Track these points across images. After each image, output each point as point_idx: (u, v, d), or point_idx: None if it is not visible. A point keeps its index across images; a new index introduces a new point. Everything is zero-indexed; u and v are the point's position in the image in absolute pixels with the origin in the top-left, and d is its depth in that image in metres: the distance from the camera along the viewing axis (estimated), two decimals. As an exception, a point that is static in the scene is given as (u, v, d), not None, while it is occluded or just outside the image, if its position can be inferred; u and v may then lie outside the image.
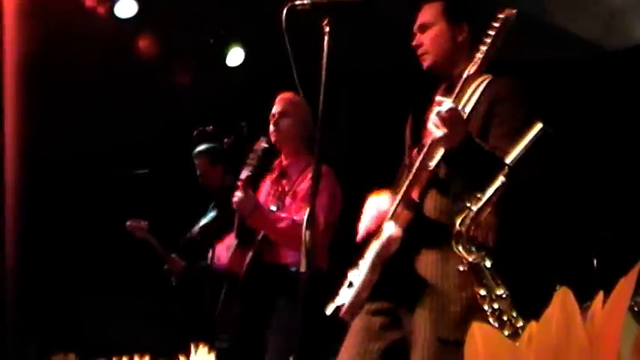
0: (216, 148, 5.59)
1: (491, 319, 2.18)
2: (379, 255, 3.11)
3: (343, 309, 3.23)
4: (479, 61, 2.91)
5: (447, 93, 3.17)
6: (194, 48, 7.11)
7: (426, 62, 3.42)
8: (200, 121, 5.35)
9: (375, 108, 7.58)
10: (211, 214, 5.99)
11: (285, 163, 4.78)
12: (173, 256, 6.12)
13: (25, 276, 6.17)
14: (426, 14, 3.42)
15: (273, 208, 4.60)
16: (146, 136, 7.26)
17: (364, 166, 7.45)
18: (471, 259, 2.23)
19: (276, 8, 2.98)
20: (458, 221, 2.23)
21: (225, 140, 5.01)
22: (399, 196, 3.21)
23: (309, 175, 4.52)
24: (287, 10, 2.93)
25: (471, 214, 2.20)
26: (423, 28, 3.41)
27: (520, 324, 2.18)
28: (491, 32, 2.87)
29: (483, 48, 2.90)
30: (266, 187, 4.87)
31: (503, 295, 2.22)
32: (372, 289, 3.15)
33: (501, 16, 2.87)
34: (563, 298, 0.85)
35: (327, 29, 2.90)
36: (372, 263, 3.14)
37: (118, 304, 6.85)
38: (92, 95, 6.67)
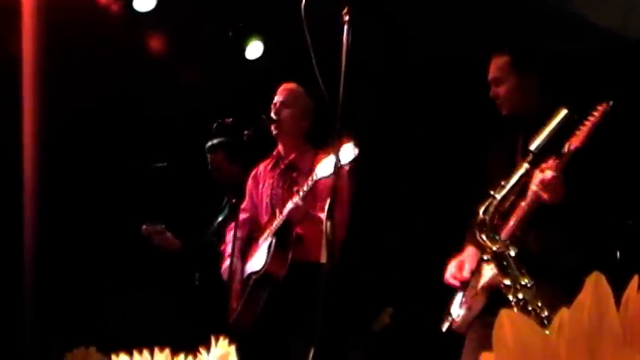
0: (234, 144, 5.56)
1: (515, 309, 2.16)
2: (490, 284, 3.30)
3: (456, 324, 3.59)
4: (582, 139, 3.21)
5: (524, 133, 3.68)
6: (213, 41, 7.09)
7: (504, 111, 3.90)
8: (219, 114, 5.34)
9: (394, 100, 7.56)
10: (226, 211, 5.95)
11: (292, 156, 4.77)
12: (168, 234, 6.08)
13: (45, 271, 6.18)
14: (497, 69, 3.93)
15: (298, 200, 4.59)
16: (165, 130, 7.26)
17: (383, 158, 7.45)
18: (495, 248, 2.21)
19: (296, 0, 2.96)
20: (481, 209, 2.20)
21: (245, 133, 5.00)
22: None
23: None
24: (306, 1, 2.91)
25: (495, 203, 2.18)
26: (496, 82, 3.92)
27: (545, 314, 2.15)
28: (591, 119, 3.23)
29: (583, 129, 3.21)
30: (265, 176, 4.86)
31: (528, 285, 2.19)
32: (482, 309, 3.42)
33: (600, 108, 3.28)
34: (595, 283, 0.83)
35: (346, 19, 2.88)
36: (481, 288, 3.37)
37: (138, 298, 6.85)
38: (110, 89, 6.67)
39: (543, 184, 3.18)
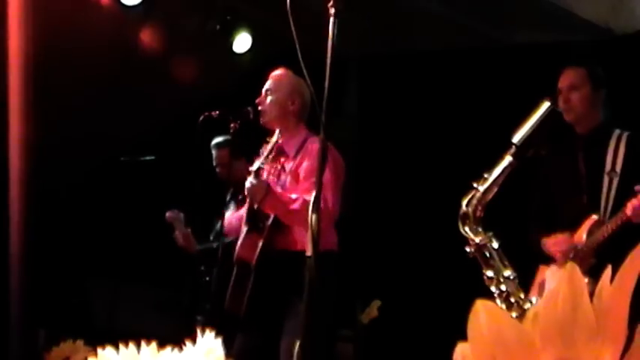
0: (238, 141, 5.55)
1: (498, 301, 2.16)
2: None
3: None
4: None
5: (584, 149, 4.30)
6: (200, 34, 7.08)
7: (570, 117, 4.26)
8: (207, 108, 5.33)
9: (384, 94, 7.56)
10: (232, 207, 5.92)
11: (280, 141, 4.72)
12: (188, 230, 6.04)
13: (33, 264, 6.17)
14: (574, 77, 4.35)
15: (278, 189, 4.56)
16: (153, 123, 7.25)
17: (373, 152, 7.45)
18: (478, 241, 2.21)
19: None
20: (464, 202, 2.21)
21: (232, 125, 4.99)
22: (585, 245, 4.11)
23: (308, 152, 4.49)
24: (293, -7, 2.90)
25: (478, 195, 2.18)
26: (571, 88, 4.32)
27: (527, 305, 2.16)
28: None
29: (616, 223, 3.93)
30: (266, 167, 4.83)
31: (511, 277, 2.20)
32: None
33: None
34: (570, 274, 0.83)
35: (332, 11, 2.86)
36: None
37: (126, 291, 6.85)
38: (99, 83, 6.66)
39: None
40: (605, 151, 4.23)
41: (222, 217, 5.81)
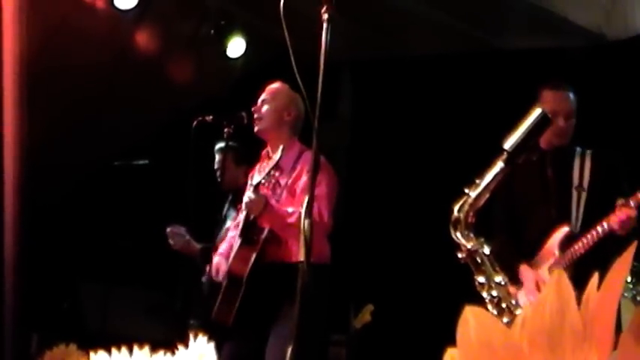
0: (242, 148, 5.53)
1: (489, 307, 2.17)
2: None
3: None
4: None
5: (552, 165, 4.40)
6: (195, 39, 7.09)
7: (563, 141, 4.36)
8: (201, 112, 5.34)
9: (377, 98, 7.57)
10: (233, 215, 5.91)
11: (273, 154, 4.71)
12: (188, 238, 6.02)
13: (26, 268, 6.17)
14: (572, 103, 4.39)
15: (273, 202, 4.55)
16: (147, 127, 7.25)
17: (367, 156, 7.47)
18: (469, 246, 2.22)
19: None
20: (456, 207, 2.21)
21: (226, 130, 4.99)
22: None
23: (305, 168, 4.48)
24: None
25: (469, 200, 2.19)
26: (569, 115, 4.35)
27: (519, 311, 2.16)
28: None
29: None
30: (256, 177, 4.82)
31: (502, 282, 2.20)
32: None
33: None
34: (557, 280, 0.84)
35: (325, 17, 2.87)
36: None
37: (119, 295, 6.85)
38: (93, 86, 6.66)
39: (629, 222, 3.90)
40: (571, 166, 4.36)
41: (221, 222, 5.81)
